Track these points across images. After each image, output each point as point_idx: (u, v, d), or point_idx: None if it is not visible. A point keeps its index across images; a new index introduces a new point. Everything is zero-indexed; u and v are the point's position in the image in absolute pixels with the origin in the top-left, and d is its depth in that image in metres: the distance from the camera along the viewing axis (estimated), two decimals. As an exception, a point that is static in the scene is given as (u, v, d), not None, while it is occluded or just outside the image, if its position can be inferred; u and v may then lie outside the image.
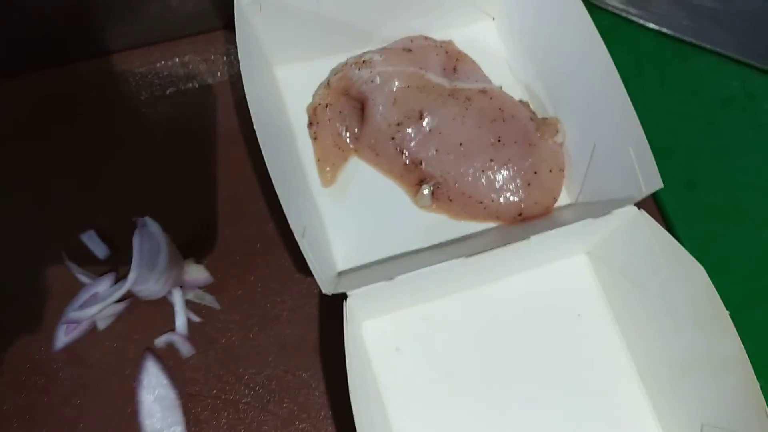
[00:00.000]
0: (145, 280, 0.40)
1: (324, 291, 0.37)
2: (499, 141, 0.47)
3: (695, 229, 0.50)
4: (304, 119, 0.49)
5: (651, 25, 0.56)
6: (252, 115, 0.38)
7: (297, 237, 0.37)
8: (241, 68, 0.40)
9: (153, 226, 0.40)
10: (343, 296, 0.38)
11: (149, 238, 0.40)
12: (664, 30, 0.56)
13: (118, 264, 0.43)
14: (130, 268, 0.40)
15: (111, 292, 0.40)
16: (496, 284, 0.47)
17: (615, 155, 0.44)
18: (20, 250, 0.43)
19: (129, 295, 0.41)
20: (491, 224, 0.48)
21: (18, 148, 0.45)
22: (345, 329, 0.37)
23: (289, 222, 0.37)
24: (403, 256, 0.46)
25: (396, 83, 0.47)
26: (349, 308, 0.38)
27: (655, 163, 0.41)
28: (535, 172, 0.47)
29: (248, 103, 0.38)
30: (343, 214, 0.47)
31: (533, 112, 0.49)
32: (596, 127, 0.46)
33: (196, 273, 0.43)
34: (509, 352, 0.45)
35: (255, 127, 0.38)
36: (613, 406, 0.44)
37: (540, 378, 0.44)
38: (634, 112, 0.42)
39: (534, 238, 0.41)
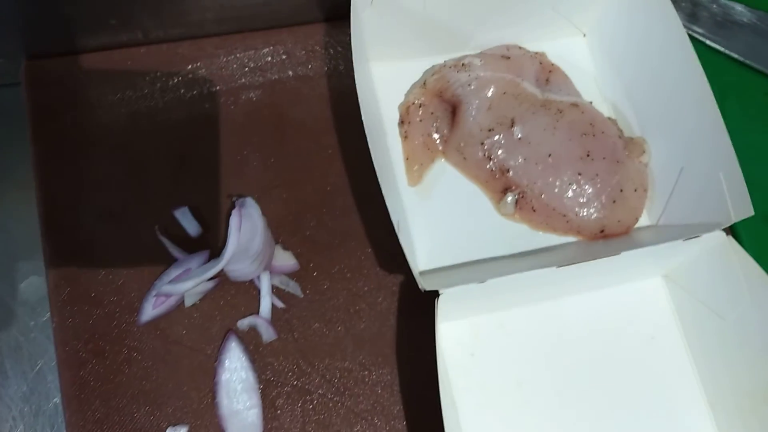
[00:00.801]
0: (240, 260, 0.40)
1: (421, 287, 0.38)
2: (588, 155, 0.47)
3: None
4: (395, 117, 0.49)
5: (735, 56, 0.56)
6: (361, 106, 0.39)
7: (397, 230, 0.38)
8: (353, 60, 0.40)
9: (252, 207, 0.40)
10: (433, 294, 0.38)
11: (247, 219, 0.40)
12: (749, 62, 0.56)
13: (208, 243, 0.44)
14: (224, 246, 0.40)
15: (205, 269, 0.40)
16: (572, 299, 0.47)
17: (703, 180, 0.44)
18: (112, 221, 0.44)
19: (218, 275, 0.42)
20: (571, 238, 0.48)
21: (121, 119, 0.46)
22: (436, 326, 0.38)
23: (390, 215, 0.37)
24: (482, 262, 0.47)
25: (492, 89, 0.47)
26: (441, 301, 0.39)
27: (746, 189, 0.41)
28: (621, 190, 0.47)
29: (358, 93, 0.39)
30: (427, 213, 0.47)
31: (621, 131, 0.49)
32: (685, 150, 0.46)
33: (284, 259, 0.43)
34: (580, 368, 0.45)
35: (363, 117, 0.38)
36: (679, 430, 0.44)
37: (608, 397, 0.44)
38: (728, 137, 0.42)
39: (624, 254, 0.41)
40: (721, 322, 0.43)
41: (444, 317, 0.44)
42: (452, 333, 0.45)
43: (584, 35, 0.54)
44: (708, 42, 0.57)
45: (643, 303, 0.48)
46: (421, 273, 0.46)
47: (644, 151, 0.48)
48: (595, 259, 0.40)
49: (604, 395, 0.44)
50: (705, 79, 0.43)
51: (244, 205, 0.41)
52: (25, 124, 0.45)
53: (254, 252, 0.40)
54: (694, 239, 0.42)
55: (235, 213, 0.40)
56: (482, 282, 0.39)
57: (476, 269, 0.45)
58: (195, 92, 0.47)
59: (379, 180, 0.38)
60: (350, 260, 0.45)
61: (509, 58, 0.48)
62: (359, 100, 0.39)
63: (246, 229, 0.40)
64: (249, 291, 0.43)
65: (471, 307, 0.44)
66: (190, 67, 0.48)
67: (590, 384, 0.45)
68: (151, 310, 0.41)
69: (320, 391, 0.42)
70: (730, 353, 0.43)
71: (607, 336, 0.46)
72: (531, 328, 0.46)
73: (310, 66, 0.49)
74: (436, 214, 0.47)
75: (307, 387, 0.42)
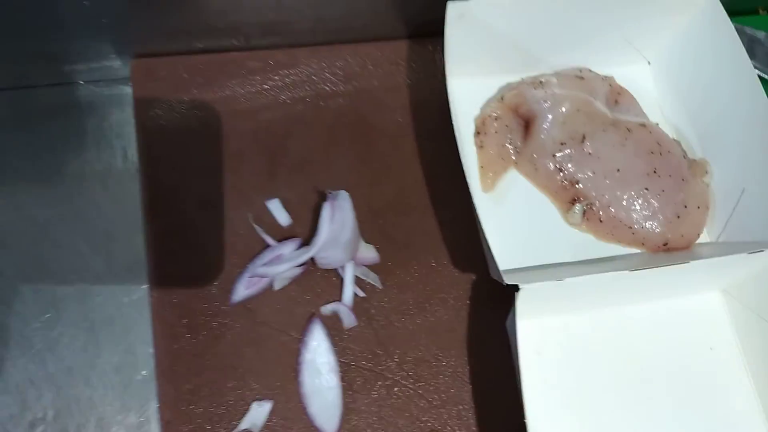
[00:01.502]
0: (330, 248, 0.43)
1: (506, 281, 0.40)
2: (654, 172, 0.50)
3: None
4: (469, 128, 0.52)
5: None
6: (452, 114, 0.42)
7: (482, 225, 0.40)
8: (446, 73, 0.44)
9: (344, 200, 0.43)
10: (506, 292, 0.40)
11: (339, 210, 0.43)
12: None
13: (296, 233, 0.47)
14: (314, 235, 0.43)
15: (298, 254, 0.43)
16: (633, 307, 0.49)
17: (765, 200, 0.46)
18: (210, 207, 0.47)
19: (305, 264, 0.45)
20: (634, 250, 0.50)
21: (220, 116, 0.50)
22: (517, 320, 0.40)
23: (478, 212, 0.40)
24: (550, 267, 0.49)
25: (567, 106, 0.50)
26: (521, 295, 0.41)
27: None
28: (685, 206, 0.50)
29: (450, 102, 0.42)
30: (499, 219, 0.50)
31: (684, 152, 0.52)
32: (747, 172, 0.48)
33: (367, 251, 0.46)
34: (638, 374, 0.47)
35: (453, 124, 0.42)
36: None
37: (665, 404, 0.46)
38: (789, 162, 0.44)
39: (692, 264, 0.43)
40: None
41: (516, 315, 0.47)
42: (520, 331, 0.47)
43: (649, 63, 0.57)
44: (764, 76, 0.59)
45: (702, 315, 0.49)
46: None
47: (707, 172, 0.51)
48: (665, 265, 0.42)
49: (661, 401, 0.46)
50: (766, 100, 0.45)
51: (337, 198, 0.43)
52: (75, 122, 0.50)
53: (344, 241, 0.43)
54: (757, 254, 0.44)
55: (328, 204, 0.43)
56: (560, 280, 0.41)
57: (548, 271, 0.47)
58: (288, 95, 0.51)
59: (468, 181, 0.41)
60: (426, 258, 0.48)
61: (583, 78, 0.51)
62: (450, 109, 0.42)
63: (337, 219, 0.43)
64: (332, 280, 0.46)
65: (540, 308, 0.46)
66: (284, 72, 0.52)
67: (648, 390, 0.46)
68: (243, 290, 0.44)
69: (395, 378, 0.44)
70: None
71: (666, 344, 0.48)
72: (594, 332, 0.48)
73: (393, 77, 0.53)
74: (507, 219, 0.50)
75: (383, 373, 0.44)
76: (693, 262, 0.43)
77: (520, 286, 0.41)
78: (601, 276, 0.42)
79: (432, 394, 0.44)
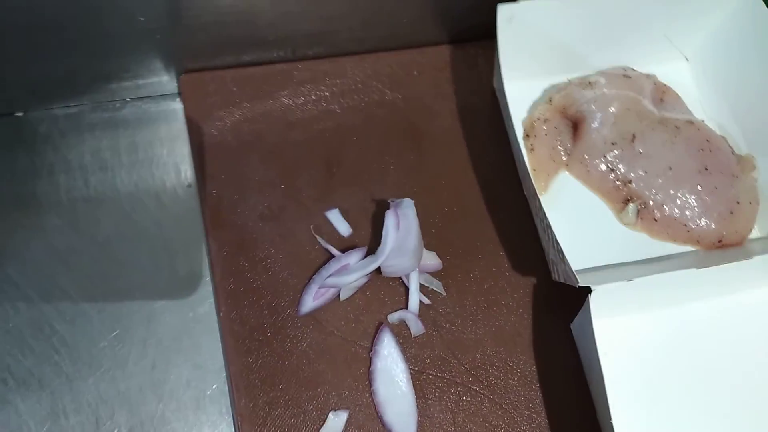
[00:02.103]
0: (395, 256, 0.43)
1: (580, 283, 0.40)
2: (706, 169, 0.50)
3: None
4: (517, 131, 0.52)
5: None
6: (504, 118, 0.42)
7: (550, 227, 0.41)
8: (503, 77, 0.44)
9: (408, 207, 0.44)
10: (569, 294, 0.41)
11: (403, 218, 0.43)
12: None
13: (357, 242, 0.47)
14: (380, 244, 0.43)
15: (365, 263, 0.43)
16: (693, 305, 0.49)
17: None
18: (271, 219, 0.47)
19: (369, 273, 0.45)
20: (689, 248, 0.51)
21: (273, 127, 0.50)
22: (593, 321, 0.40)
23: (546, 214, 0.41)
24: (608, 268, 0.49)
25: (616, 105, 0.50)
26: (594, 296, 0.41)
27: None
28: (738, 202, 0.50)
29: (506, 107, 0.43)
30: (554, 220, 0.50)
31: (732, 148, 0.53)
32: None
33: (429, 259, 0.46)
34: (702, 370, 0.47)
35: (507, 129, 0.42)
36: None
37: (734, 402, 0.46)
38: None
39: (757, 258, 0.44)
40: None
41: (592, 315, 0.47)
42: (597, 332, 0.47)
43: (687, 60, 0.58)
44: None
45: (763, 309, 0.50)
46: (554, 274, 0.48)
47: (755, 167, 0.51)
48: (734, 261, 0.43)
49: (729, 399, 0.46)
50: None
51: (401, 206, 0.44)
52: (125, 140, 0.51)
53: (410, 249, 0.43)
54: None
55: (392, 212, 0.43)
56: (630, 281, 0.42)
57: (613, 272, 0.47)
58: (338, 105, 0.51)
59: (529, 184, 0.41)
60: (486, 263, 0.48)
61: (629, 77, 0.52)
62: (503, 112, 0.43)
63: (402, 228, 0.43)
64: (396, 288, 0.46)
65: (608, 309, 0.46)
66: (332, 81, 0.52)
67: (713, 386, 0.47)
68: (311, 302, 0.44)
69: (466, 383, 0.44)
70: None
71: (732, 341, 0.48)
72: (657, 331, 0.48)
73: (439, 83, 0.53)
74: (562, 221, 0.50)
75: (453, 378, 0.44)
76: (757, 258, 0.43)
77: (592, 288, 0.41)
78: (668, 274, 0.42)
79: (502, 398, 0.44)
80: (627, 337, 0.47)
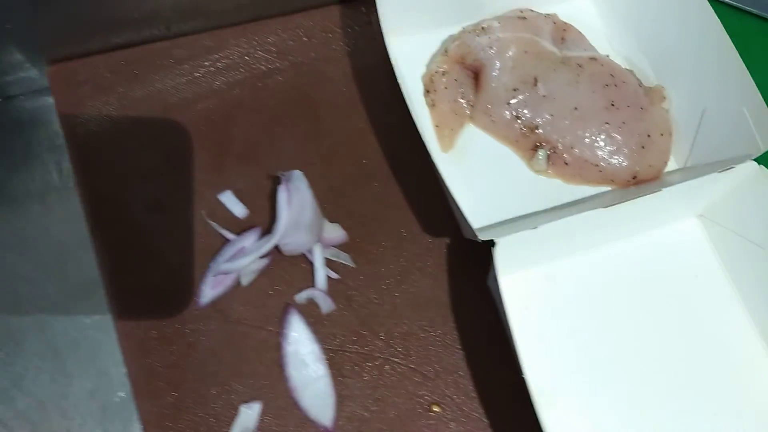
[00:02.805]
0: (293, 233, 0.41)
1: (480, 237, 0.39)
2: (612, 105, 0.48)
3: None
4: (418, 88, 0.50)
5: (736, 3, 0.58)
6: (397, 75, 0.40)
7: (448, 186, 0.38)
8: (384, 34, 0.41)
9: (299, 180, 0.41)
10: (483, 250, 0.39)
11: (296, 192, 0.41)
12: (747, 8, 0.58)
13: (255, 223, 0.44)
14: (275, 222, 0.41)
15: (260, 244, 0.41)
16: (612, 246, 0.48)
17: (726, 117, 0.46)
18: (160, 210, 0.44)
19: (270, 253, 0.42)
20: (604, 188, 0.49)
21: (153, 113, 0.46)
22: (498, 277, 0.38)
23: (441, 174, 0.38)
24: (523, 218, 0.48)
25: (513, 49, 0.48)
26: (498, 248, 0.39)
27: (772, 119, 0.42)
28: (649, 135, 0.49)
29: (393, 63, 0.40)
30: (463, 177, 0.48)
31: (639, 80, 0.51)
32: (705, 92, 0.47)
33: (333, 231, 0.44)
34: (628, 311, 0.46)
35: (400, 85, 0.39)
36: (733, 368, 0.45)
37: (659, 338, 0.45)
38: (748, 73, 0.44)
39: (665, 191, 0.42)
40: (762, 252, 0.45)
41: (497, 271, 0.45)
42: (504, 287, 0.45)
43: (589, -5, 0.56)
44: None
45: (682, 244, 0.48)
46: (468, 232, 0.46)
47: (664, 98, 0.50)
48: (642, 195, 0.41)
49: (654, 336, 0.45)
50: (717, 19, 0.44)
51: (291, 179, 0.41)
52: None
53: (306, 223, 0.41)
54: (728, 171, 0.43)
55: (282, 187, 0.41)
56: (534, 228, 0.40)
57: (521, 222, 0.46)
58: (222, 80, 0.48)
59: (426, 144, 0.39)
60: (395, 228, 0.46)
61: (525, 18, 0.49)
62: (395, 70, 0.40)
63: (295, 202, 0.41)
64: (301, 266, 0.44)
65: (519, 261, 0.45)
66: (214, 57, 0.49)
67: (640, 326, 0.46)
68: (209, 291, 0.42)
69: (385, 356, 0.42)
70: (773, 279, 0.44)
71: (651, 278, 0.47)
72: (577, 277, 0.47)
73: (331, 47, 0.50)
74: (471, 177, 0.48)
75: (371, 353, 0.42)
76: (665, 189, 0.42)
77: (495, 241, 0.39)
78: (574, 218, 0.40)
79: (425, 366, 0.42)
80: (540, 287, 0.46)
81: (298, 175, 0.41)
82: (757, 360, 0.45)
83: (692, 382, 0.44)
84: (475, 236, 0.39)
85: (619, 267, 0.47)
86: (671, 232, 0.48)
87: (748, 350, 0.46)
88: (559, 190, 0.49)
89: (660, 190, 0.42)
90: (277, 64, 0.49)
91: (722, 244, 0.48)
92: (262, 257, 0.42)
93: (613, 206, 0.41)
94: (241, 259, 0.40)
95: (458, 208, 0.39)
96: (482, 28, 0.48)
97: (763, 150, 0.43)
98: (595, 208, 0.41)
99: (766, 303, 0.45)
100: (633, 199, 0.41)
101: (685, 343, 0.45)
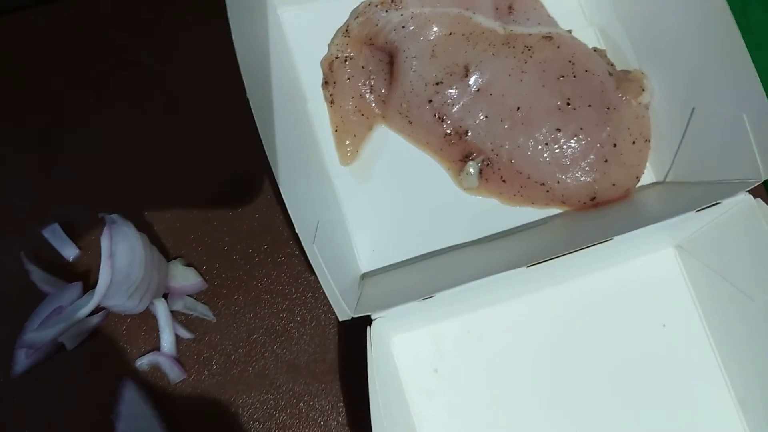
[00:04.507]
0: (117, 294, 0.31)
1: (341, 318, 0.28)
2: (568, 104, 0.36)
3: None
4: (318, 77, 0.38)
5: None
6: (243, 74, 0.28)
7: (305, 244, 0.28)
8: (228, 7, 0.29)
9: (124, 225, 0.31)
10: (368, 319, 0.29)
11: (121, 240, 0.31)
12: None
13: (89, 266, 0.35)
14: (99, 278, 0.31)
15: (76, 307, 0.32)
16: (559, 288, 0.38)
17: (722, 123, 0.34)
18: (-31, 250, 0.35)
19: (102, 308, 0.33)
20: (554, 210, 0.38)
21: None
22: (369, 360, 0.29)
23: (295, 223, 0.28)
24: (443, 253, 0.37)
25: (435, 29, 0.36)
26: (375, 331, 0.30)
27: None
28: (615, 145, 0.37)
29: (238, 57, 0.28)
30: (368, 199, 0.37)
31: (611, 64, 0.38)
32: (697, 85, 0.35)
33: (185, 278, 0.34)
34: (575, 371, 0.37)
35: (247, 90, 0.28)
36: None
37: (613, 406, 0.36)
38: (752, 65, 0.31)
39: (617, 239, 0.31)
40: (750, 305, 0.34)
41: (397, 330, 0.35)
42: (409, 346, 0.36)
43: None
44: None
45: (649, 284, 0.38)
46: (365, 276, 0.36)
47: (644, 89, 0.37)
48: (581, 247, 0.30)
49: (606, 405, 0.36)
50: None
51: (114, 223, 0.31)
52: None
53: (134, 280, 0.31)
54: (713, 207, 0.31)
55: (104, 235, 0.31)
56: (429, 297, 0.29)
57: (431, 268, 0.35)
58: (45, 78, 0.37)
59: (276, 174, 0.28)
60: (275, 269, 0.36)
61: (455, -16, 0.36)
62: (240, 68, 0.29)
63: (122, 252, 0.31)
64: (147, 322, 0.35)
65: (429, 316, 0.35)
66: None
67: (588, 391, 0.36)
68: (24, 359, 0.33)
69: (247, 436, 0.34)
70: (763, 342, 0.34)
71: (607, 327, 0.37)
72: (508, 329, 0.37)
73: (190, 25, 0.39)
74: (379, 197, 0.38)
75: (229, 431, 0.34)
76: (617, 238, 0.31)
77: (372, 317, 0.29)
78: (485, 280, 0.30)
79: (298, 450, 0.34)
80: (463, 343, 0.37)
81: (118, 219, 0.31)
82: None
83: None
84: (344, 312, 0.29)
85: (562, 313, 0.37)
86: (638, 266, 0.38)
87: (723, 418, 0.36)
88: (496, 212, 0.38)
89: (610, 239, 0.31)
90: (121, 55, 0.38)
91: (703, 287, 0.38)
92: (90, 315, 0.33)
93: (540, 263, 0.30)
94: (51, 329, 0.31)
95: (326, 278, 0.29)
96: (392, 0, 0.36)
97: (765, 177, 0.31)
98: (513, 267, 0.30)
99: (746, 365, 0.35)
100: (573, 251, 0.30)
101: (645, 407, 0.36)
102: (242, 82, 0.28)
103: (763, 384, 0.35)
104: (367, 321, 0.30)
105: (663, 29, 0.36)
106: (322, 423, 0.35)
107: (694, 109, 0.35)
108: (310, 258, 0.28)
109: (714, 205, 0.32)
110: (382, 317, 0.30)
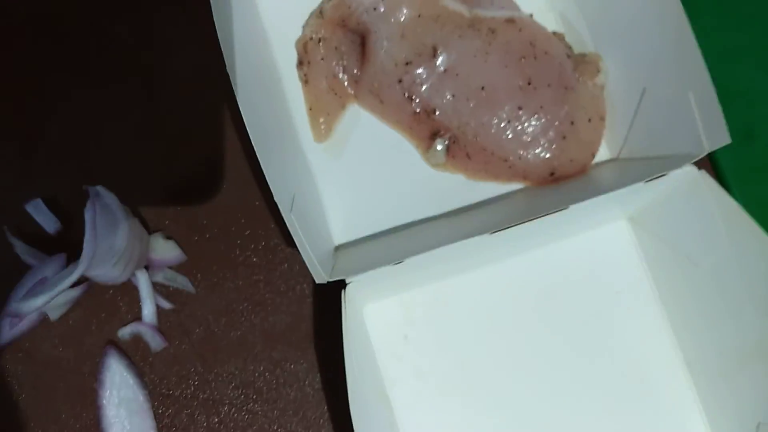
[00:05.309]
0: (101, 263, 0.33)
1: (318, 281, 0.30)
2: (529, 84, 0.38)
3: (753, 188, 0.42)
4: (293, 58, 0.40)
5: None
6: (223, 51, 0.30)
7: (284, 212, 0.30)
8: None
9: (107, 197, 0.32)
10: (342, 284, 0.31)
11: (104, 212, 0.32)
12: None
13: (71, 240, 0.36)
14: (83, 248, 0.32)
15: (61, 277, 0.33)
16: (521, 258, 0.40)
17: (670, 101, 0.36)
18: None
19: (85, 279, 0.34)
20: (516, 185, 0.40)
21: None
22: (344, 322, 0.30)
23: (273, 192, 0.29)
24: (413, 225, 0.39)
25: (405, 11, 0.38)
26: (349, 296, 0.31)
27: (721, 112, 0.33)
28: (572, 123, 0.39)
29: (218, 35, 0.30)
30: (341, 174, 0.39)
31: (570, 47, 0.41)
32: (648, 67, 0.37)
33: (165, 250, 0.36)
34: (536, 337, 0.39)
35: (227, 66, 0.30)
36: (654, 398, 0.38)
37: (571, 366, 0.38)
38: (698, 49, 0.34)
39: (573, 208, 0.33)
40: (698, 270, 0.37)
41: (368, 299, 0.37)
42: (380, 314, 0.38)
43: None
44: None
45: (605, 253, 0.40)
46: (338, 248, 0.38)
47: (599, 71, 0.40)
48: (540, 215, 0.32)
49: (565, 364, 0.38)
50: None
51: (97, 195, 0.32)
52: None
53: (117, 250, 0.32)
54: (662, 177, 0.34)
55: (87, 207, 0.32)
56: (399, 263, 0.31)
57: (401, 238, 0.37)
58: (30, 52, 0.38)
59: (256, 147, 0.29)
60: (252, 241, 0.38)
61: (424, -31, 0.38)
62: (221, 45, 0.30)
63: (104, 224, 0.32)
64: (129, 293, 0.36)
65: (399, 284, 0.37)
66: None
67: (549, 354, 0.39)
68: (9, 330, 0.34)
69: (227, 401, 0.36)
70: (710, 305, 0.37)
71: (565, 295, 0.39)
72: (474, 296, 0.39)
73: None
74: (353, 172, 0.39)
75: (210, 398, 0.35)
76: (573, 206, 0.33)
77: (347, 281, 0.31)
78: (452, 246, 0.32)
79: (275, 411, 0.36)
80: (432, 310, 0.39)
81: (102, 191, 0.33)
82: (681, 394, 0.39)
83: (604, 423, 0.37)
84: (321, 276, 0.31)
85: (524, 282, 0.39)
86: (593, 237, 0.40)
87: (671, 382, 0.39)
88: (462, 187, 0.40)
89: (567, 207, 0.33)
90: (104, 27, 0.39)
91: (653, 256, 0.40)
92: (74, 286, 0.34)
93: (502, 230, 0.32)
94: (36, 298, 0.32)
95: (303, 244, 0.30)
96: (363, -17, 0.38)
97: (707, 151, 0.34)
98: (478, 233, 0.32)
99: (694, 329, 0.38)
100: (525, 222, 0.33)
101: (600, 373, 0.39)
102: (219, 65, 0.29)
103: (709, 344, 0.38)
104: (341, 287, 0.32)
105: (618, 14, 0.39)
106: (297, 388, 0.36)
107: (645, 89, 0.38)
108: (288, 224, 0.30)
109: (662, 176, 0.35)
110: (356, 281, 0.31)
